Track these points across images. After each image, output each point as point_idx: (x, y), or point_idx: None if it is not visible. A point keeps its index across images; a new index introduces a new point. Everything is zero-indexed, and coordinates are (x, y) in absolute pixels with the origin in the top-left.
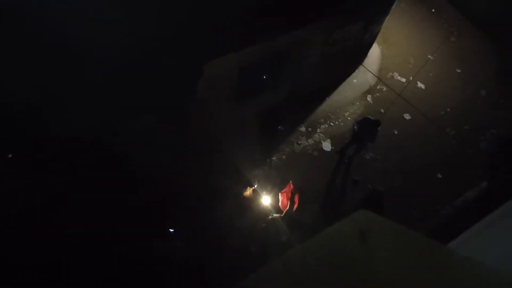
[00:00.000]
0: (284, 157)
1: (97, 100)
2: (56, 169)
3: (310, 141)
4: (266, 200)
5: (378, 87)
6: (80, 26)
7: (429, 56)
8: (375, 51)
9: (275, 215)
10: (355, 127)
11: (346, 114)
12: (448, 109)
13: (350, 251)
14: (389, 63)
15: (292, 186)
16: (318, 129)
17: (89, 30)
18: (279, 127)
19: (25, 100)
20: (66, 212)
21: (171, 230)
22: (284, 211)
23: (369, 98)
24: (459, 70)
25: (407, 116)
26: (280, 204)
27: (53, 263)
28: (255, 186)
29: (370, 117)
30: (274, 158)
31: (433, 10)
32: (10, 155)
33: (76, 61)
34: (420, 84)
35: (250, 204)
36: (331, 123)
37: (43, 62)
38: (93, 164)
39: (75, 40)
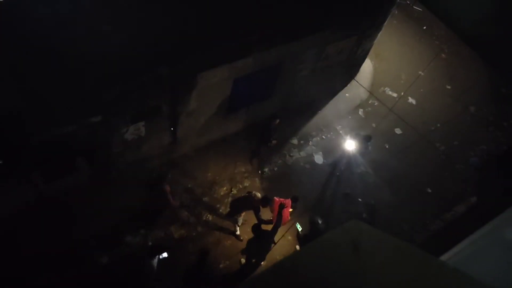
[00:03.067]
0: (276, 168)
1: (87, 109)
2: (42, 179)
3: (302, 153)
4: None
5: (370, 102)
6: (73, 32)
7: (420, 72)
8: (367, 66)
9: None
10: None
11: (338, 127)
12: (438, 125)
13: (342, 260)
14: (381, 78)
15: (281, 201)
16: (310, 141)
17: (83, 36)
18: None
19: (11, 106)
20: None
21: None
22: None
23: (361, 112)
24: (449, 87)
25: (398, 131)
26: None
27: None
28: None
29: (360, 132)
30: (266, 169)
31: (424, 27)
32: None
33: (64, 68)
34: (411, 100)
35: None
36: (323, 136)
37: (31, 68)
38: (81, 173)
39: (64, 46)
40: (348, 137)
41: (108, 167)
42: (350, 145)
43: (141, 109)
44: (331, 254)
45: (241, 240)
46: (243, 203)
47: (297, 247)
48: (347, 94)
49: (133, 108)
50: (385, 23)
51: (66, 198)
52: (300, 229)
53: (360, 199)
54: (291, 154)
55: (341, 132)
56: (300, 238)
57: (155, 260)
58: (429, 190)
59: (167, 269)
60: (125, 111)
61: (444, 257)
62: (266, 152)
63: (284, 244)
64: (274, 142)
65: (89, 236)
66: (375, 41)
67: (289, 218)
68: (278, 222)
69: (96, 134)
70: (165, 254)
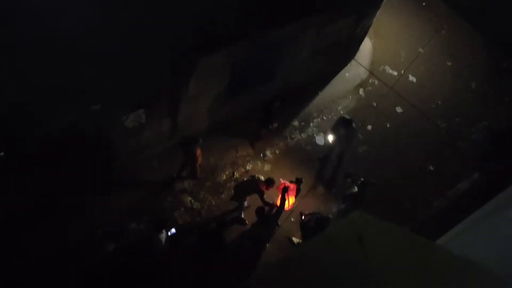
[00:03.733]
0: (277, 151)
1: (87, 98)
2: (44, 171)
3: (303, 135)
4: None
5: (370, 81)
6: (69, 23)
7: (420, 50)
8: (366, 45)
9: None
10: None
11: (339, 108)
12: (439, 102)
13: (347, 251)
14: (381, 57)
15: (285, 184)
16: (311, 123)
17: (80, 27)
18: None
19: (11, 99)
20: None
21: (172, 231)
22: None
23: (361, 91)
24: (449, 63)
25: (399, 109)
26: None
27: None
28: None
29: (345, 116)
30: (267, 152)
31: (423, 4)
32: (1, 153)
33: (64, 59)
34: (411, 78)
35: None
36: (324, 117)
37: (29, 60)
38: (83, 163)
39: (64, 37)
40: (328, 130)
41: (111, 156)
42: (330, 138)
43: (140, 96)
44: (335, 246)
45: (246, 224)
46: (247, 187)
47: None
48: (347, 74)
49: (132, 95)
50: (384, 1)
51: (70, 188)
52: (303, 217)
53: (362, 179)
54: (292, 136)
55: (342, 112)
56: (303, 226)
57: (163, 235)
58: (431, 168)
59: (174, 248)
60: (124, 99)
61: (447, 236)
62: (267, 135)
63: (288, 226)
64: (275, 125)
65: (94, 225)
66: (374, 19)
67: (294, 201)
68: (282, 205)
69: (97, 123)
70: (173, 230)
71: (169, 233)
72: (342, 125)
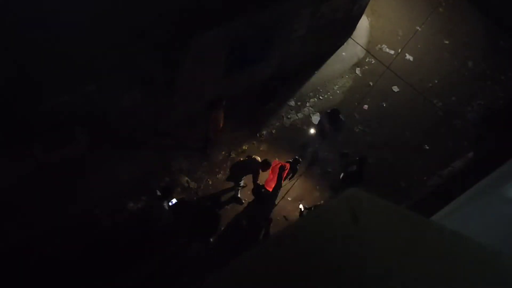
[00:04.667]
0: (274, 131)
1: (83, 76)
2: (41, 149)
3: (300, 115)
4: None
5: (366, 60)
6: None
7: (418, 28)
8: (363, 24)
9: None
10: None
11: (335, 87)
12: (436, 81)
13: (342, 230)
14: (378, 35)
15: (280, 164)
16: (308, 102)
17: (73, 7)
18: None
19: (5, 79)
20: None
21: (172, 201)
22: (272, 188)
23: (357, 71)
24: (447, 42)
25: (395, 89)
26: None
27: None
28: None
29: (327, 110)
30: (264, 132)
31: None
32: None
33: (59, 36)
34: (408, 56)
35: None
36: (320, 97)
37: (22, 38)
38: (79, 142)
39: (59, 14)
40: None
41: (106, 135)
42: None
43: (136, 75)
44: (330, 223)
45: (242, 203)
46: (243, 167)
47: (301, 206)
48: (343, 53)
49: (127, 75)
50: None
51: (66, 168)
52: (302, 209)
53: (357, 158)
54: (289, 116)
55: (338, 92)
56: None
57: (165, 204)
58: (427, 147)
59: (172, 226)
60: (119, 79)
61: (441, 214)
62: (263, 114)
63: (284, 205)
64: (271, 104)
65: (91, 204)
66: None
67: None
68: (278, 184)
69: (92, 103)
70: (174, 200)
71: (169, 204)
72: (328, 120)
